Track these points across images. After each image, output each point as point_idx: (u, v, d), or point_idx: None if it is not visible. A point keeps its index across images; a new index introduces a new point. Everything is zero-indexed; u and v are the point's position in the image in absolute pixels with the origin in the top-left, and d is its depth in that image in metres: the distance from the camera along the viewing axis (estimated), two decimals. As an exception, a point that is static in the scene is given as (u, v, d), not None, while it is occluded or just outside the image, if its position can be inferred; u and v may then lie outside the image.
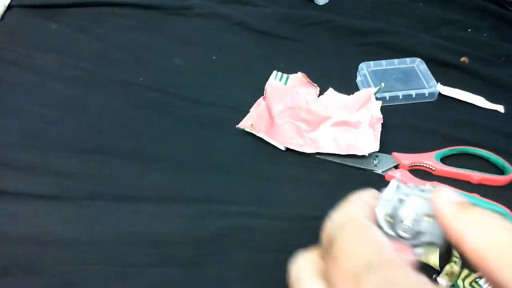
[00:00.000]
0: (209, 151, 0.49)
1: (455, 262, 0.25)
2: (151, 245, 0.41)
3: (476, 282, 0.23)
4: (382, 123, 0.49)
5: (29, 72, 0.57)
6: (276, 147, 0.49)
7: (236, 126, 0.50)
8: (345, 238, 0.17)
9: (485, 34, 0.64)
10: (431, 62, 0.57)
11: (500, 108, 0.53)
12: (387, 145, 0.48)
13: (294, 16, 0.66)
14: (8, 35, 0.62)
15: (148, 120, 0.52)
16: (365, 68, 0.56)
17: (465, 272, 0.24)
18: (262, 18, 0.66)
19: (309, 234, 0.41)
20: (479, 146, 0.48)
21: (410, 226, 0.19)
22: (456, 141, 0.49)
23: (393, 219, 0.19)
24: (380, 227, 0.19)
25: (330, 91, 0.54)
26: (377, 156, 0.47)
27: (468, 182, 0.45)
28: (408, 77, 0.56)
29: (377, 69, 0.57)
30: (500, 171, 0.46)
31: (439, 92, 0.54)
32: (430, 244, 0.19)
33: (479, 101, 0.54)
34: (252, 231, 0.42)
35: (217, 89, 0.56)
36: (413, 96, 0.54)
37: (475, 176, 0.45)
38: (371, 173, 0.47)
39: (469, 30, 0.64)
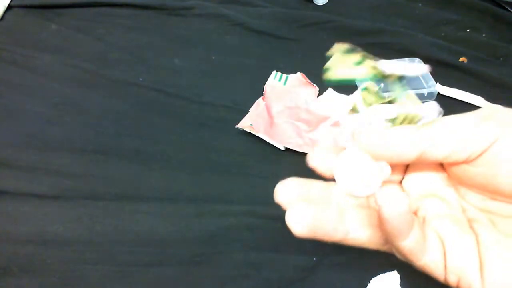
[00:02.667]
0: (209, 151, 0.49)
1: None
2: (151, 245, 0.41)
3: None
4: (381, 123, 0.49)
5: (29, 72, 0.57)
6: (275, 147, 0.49)
7: (236, 126, 0.50)
8: None
9: (483, 34, 0.64)
10: (430, 62, 0.57)
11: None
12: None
13: (294, 16, 0.66)
14: (8, 35, 0.62)
15: (148, 120, 0.52)
16: (364, 68, 0.57)
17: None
18: (262, 18, 0.66)
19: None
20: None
21: None
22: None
23: None
24: None
25: (329, 91, 0.54)
26: (376, 156, 0.47)
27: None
28: (407, 77, 0.56)
29: (376, 69, 0.57)
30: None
31: (438, 92, 0.55)
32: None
33: (477, 100, 0.54)
34: (252, 231, 0.42)
35: (216, 89, 0.56)
36: (412, 96, 0.54)
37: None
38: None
39: (468, 30, 0.65)
